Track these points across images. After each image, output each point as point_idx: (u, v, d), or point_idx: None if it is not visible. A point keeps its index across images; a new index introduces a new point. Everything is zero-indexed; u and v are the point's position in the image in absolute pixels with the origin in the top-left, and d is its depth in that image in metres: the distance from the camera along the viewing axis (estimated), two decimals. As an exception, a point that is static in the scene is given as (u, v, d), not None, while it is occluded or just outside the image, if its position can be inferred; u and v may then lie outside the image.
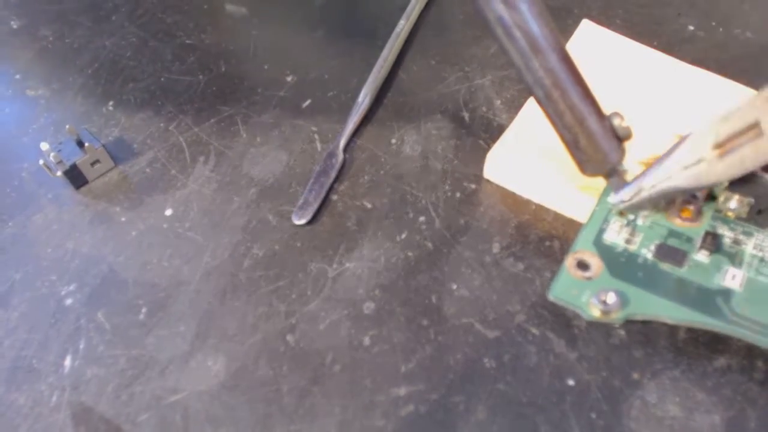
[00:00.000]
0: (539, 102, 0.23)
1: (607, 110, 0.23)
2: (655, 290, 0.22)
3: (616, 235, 0.23)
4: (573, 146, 0.23)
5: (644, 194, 0.23)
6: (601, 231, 0.23)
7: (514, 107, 0.30)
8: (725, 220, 0.23)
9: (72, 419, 0.22)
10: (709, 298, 0.21)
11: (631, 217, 0.24)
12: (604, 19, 0.32)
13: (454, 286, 0.25)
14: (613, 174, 0.24)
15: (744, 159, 0.21)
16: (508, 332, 0.23)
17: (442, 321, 0.24)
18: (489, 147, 0.28)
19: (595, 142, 0.23)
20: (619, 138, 0.23)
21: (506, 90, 0.31)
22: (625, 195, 0.23)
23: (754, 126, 0.21)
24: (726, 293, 0.22)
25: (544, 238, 0.26)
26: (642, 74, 0.29)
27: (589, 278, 0.22)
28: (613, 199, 0.24)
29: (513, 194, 0.27)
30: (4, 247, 0.27)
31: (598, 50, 0.30)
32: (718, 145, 0.21)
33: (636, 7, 0.34)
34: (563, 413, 0.22)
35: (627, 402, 0.22)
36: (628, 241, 0.23)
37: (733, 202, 0.23)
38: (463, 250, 0.26)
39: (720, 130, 0.21)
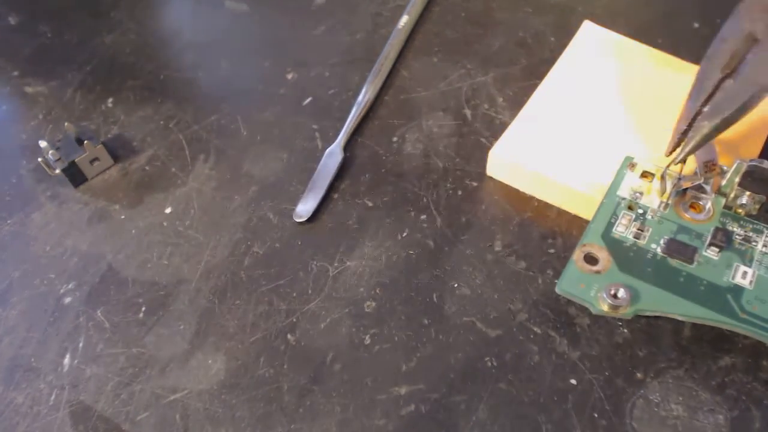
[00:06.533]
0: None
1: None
2: (664, 286, 0.22)
3: (624, 229, 0.23)
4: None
5: (689, 145, 0.22)
6: (610, 225, 0.23)
7: (516, 104, 0.29)
8: (735, 217, 0.23)
9: (71, 418, 0.22)
10: (719, 296, 0.21)
11: (640, 211, 0.24)
12: (609, 17, 0.32)
13: (456, 285, 0.24)
14: None
15: (750, 71, 0.20)
16: (510, 331, 0.23)
17: (444, 320, 0.24)
18: (491, 145, 0.28)
19: None
20: None
21: (508, 87, 0.31)
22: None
23: (749, 37, 0.20)
24: (736, 291, 0.21)
25: (547, 236, 0.26)
26: (644, 74, 0.29)
27: (597, 272, 0.22)
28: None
29: (515, 192, 0.27)
30: (3, 245, 0.27)
31: (599, 51, 0.30)
32: (726, 67, 0.21)
33: (640, 4, 0.34)
34: (565, 413, 0.21)
35: (630, 401, 0.22)
36: (637, 236, 0.23)
37: (744, 199, 0.23)
38: (465, 248, 0.25)
39: (721, 53, 0.21)
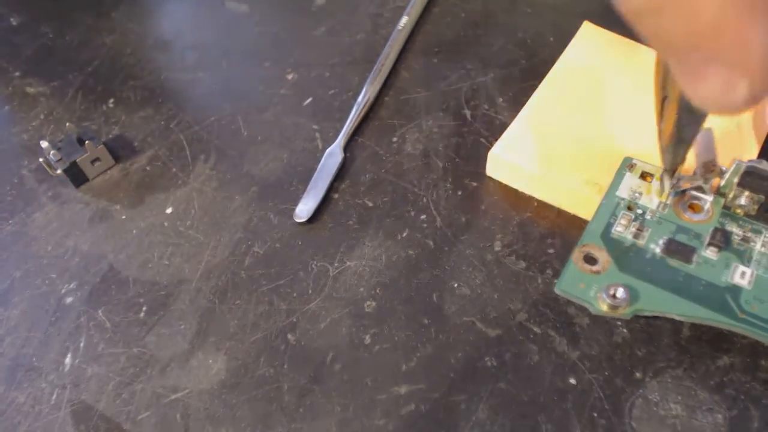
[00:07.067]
0: None
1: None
2: (663, 286, 0.22)
3: (624, 229, 0.23)
4: None
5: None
6: (609, 225, 0.23)
7: (516, 105, 0.29)
8: (734, 217, 0.23)
9: (72, 417, 0.22)
10: (717, 295, 0.21)
11: (639, 211, 0.24)
12: (608, 18, 0.32)
13: (456, 285, 0.25)
14: None
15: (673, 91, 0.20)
16: (510, 331, 0.23)
17: (444, 319, 0.24)
18: (491, 145, 0.28)
19: None
20: None
21: (508, 88, 0.31)
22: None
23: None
24: (735, 290, 0.22)
25: (546, 236, 0.26)
26: (643, 75, 0.29)
27: (596, 272, 0.22)
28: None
29: (515, 192, 0.27)
30: (4, 245, 0.27)
31: (599, 51, 0.30)
32: (663, 91, 0.20)
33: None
34: (565, 412, 0.21)
35: (629, 401, 0.22)
36: (636, 236, 0.23)
37: (743, 199, 0.23)
38: (465, 248, 0.25)
39: (656, 78, 0.21)
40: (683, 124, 0.20)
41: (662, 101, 0.21)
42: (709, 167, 0.23)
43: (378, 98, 0.31)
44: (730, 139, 0.26)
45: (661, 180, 0.24)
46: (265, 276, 0.25)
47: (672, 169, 0.23)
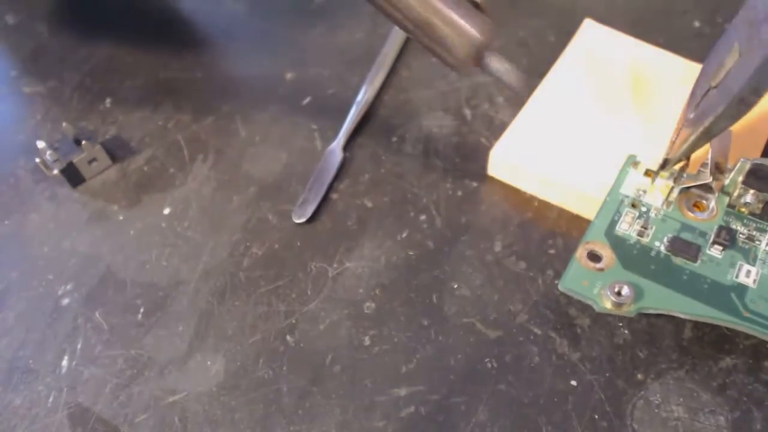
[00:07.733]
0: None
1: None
2: (668, 284, 0.22)
3: (628, 226, 0.23)
4: (435, 42, 0.21)
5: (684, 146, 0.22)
6: (613, 222, 0.23)
7: (516, 104, 0.29)
8: (739, 216, 0.23)
9: (69, 420, 0.22)
10: (722, 294, 0.21)
11: (644, 209, 0.24)
12: (608, 17, 0.32)
13: (455, 286, 0.24)
14: (487, 56, 0.22)
15: (729, 82, 0.20)
16: (510, 332, 0.23)
17: (443, 321, 0.24)
18: (491, 145, 0.28)
19: (453, 22, 0.21)
20: (478, 6, 0.21)
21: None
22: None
23: (736, 50, 0.20)
24: (740, 289, 0.21)
25: (547, 237, 0.25)
26: (645, 72, 0.29)
27: (600, 269, 0.22)
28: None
29: (515, 192, 0.27)
30: (1, 247, 0.27)
31: (600, 49, 0.30)
32: (713, 79, 0.21)
33: (641, 3, 0.34)
34: (565, 414, 0.21)
35: (630, 403, 0.21)
36: (640, 234, 0.23)
37: (748, 197, 0.23)
38: (465, 249, 0.25)
39: (712, 66, 0.21)
40: (730, 115, 0.20)
41: (706, 90, 0.20)
42: (721, 167, 0.23)
43: (377, 97, 0.31)
44: (736, 137, 0.26)
45: (666, 178, 0.24)
46: (263, 277, 0.25)
47: (681, 159, 0.23)
